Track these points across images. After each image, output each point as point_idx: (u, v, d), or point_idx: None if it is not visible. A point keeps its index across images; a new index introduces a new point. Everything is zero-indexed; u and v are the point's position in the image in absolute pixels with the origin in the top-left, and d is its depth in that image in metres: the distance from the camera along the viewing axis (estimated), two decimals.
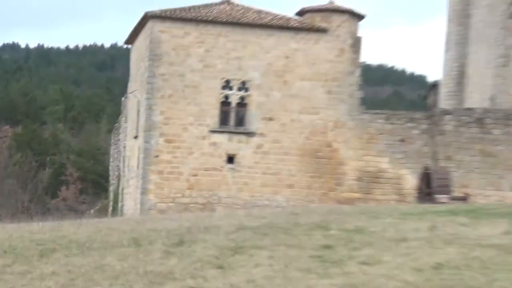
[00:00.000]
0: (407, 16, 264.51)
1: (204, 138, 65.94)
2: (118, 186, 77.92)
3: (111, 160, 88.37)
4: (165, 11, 67.23)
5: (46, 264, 27.59)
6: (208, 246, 30.18)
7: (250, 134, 66.37)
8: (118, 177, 78.87)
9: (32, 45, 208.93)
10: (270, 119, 66.54)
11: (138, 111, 68.57)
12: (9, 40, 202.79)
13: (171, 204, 64.45)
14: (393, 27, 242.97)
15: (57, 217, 54.90)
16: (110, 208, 78.02)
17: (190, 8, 67.99)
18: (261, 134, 66.37)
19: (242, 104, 66.68)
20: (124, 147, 75.97)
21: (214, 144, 66.07)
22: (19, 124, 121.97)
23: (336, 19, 68.47)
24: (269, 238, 31.87)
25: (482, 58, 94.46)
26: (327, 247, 30.13)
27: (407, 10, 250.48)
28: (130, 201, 69.94)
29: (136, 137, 69.06)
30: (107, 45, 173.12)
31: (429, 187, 60.47)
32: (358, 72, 68.38)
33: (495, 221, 35.78)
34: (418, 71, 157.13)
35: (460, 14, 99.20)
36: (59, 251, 30.02)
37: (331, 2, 70.14)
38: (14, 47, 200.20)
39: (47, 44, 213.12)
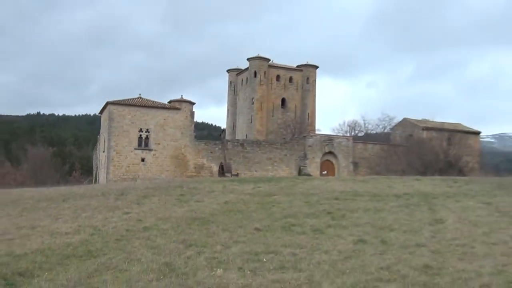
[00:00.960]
0: (215, 102, 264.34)
1: (132, 151, 64.25)
2: (96, 171, 75.31)
3: (93, 161, 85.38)
4: (115, 101, 65.52)
5: (65, 204, 26.50)
6: (133, 195, 29.53)
7: (150, 150, 64.90)
8: (97, 168, 76.24)
9: (67, 113, 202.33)
10: (158, 143, 65.30)
11: (104, 141, 66.44)
12: (50, 112, 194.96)
13: (118, 178, 62.58)
14: (209, 107, 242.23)
15: (71, 185, 52.70)
16: (93, 180, 75.25)
17: (125, 100, 66.36)
18: (155, 150, 65.06)
19: (147, 138, 65.13)
20: (99, 155, 73.46)
21: (136, 154, 64.39)
22: (54, 147, 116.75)
23: (184, 104, 67.70)
24: (158, 191, 31.35)
25: (241, 120, 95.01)
26: (182, 195, 29.78)
27: (216, 100, 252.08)
28: (101, 177, 67.52)
29: (103, 151, 66.83)
30: (91, 114, 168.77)
31: (223, 170, 60.30)
32: (193, 125, 67.65)
33: (249, 184, 35.85)
34: (217, 124, 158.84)
35: (232, 102, 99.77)
36: (71, 198, 28.86)
37: (181, 97, 69.43)
38: (52, 116, 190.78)
39: (68, 113, 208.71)
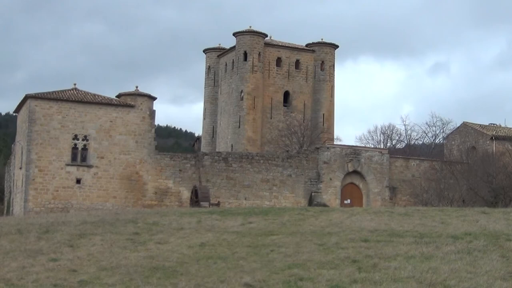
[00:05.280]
0: (190, 97, 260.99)
1: (62, 168, 64.30)
2: (10, 198, 75.16)
3: (5, 182, 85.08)
4: (38, 93, 65.71)
5: None
6: (64, 233, 29.53)
7: (89, 166, 64.98)
8: (10, 192, 76.08)
9: None
10: (102, 157, 65.39)
11: (22, 152, 66.45)
12: None
13: (42, 208, 62.57)
14: (181, 105, 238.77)
15: None
16: (5, 211, 74.95)
17: (53, 92, 66.54)
18: (96, 166, 65.12)
19: (84, 148, 65.24)
20: (13, 174, 73.29)
21: (68, 172, 64.48)
22: None
23: (139, 99, 67.95)
24: (101, 228, 31.36)
25: (225, 123, 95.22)
26: (136, 233, 29.84)
27: (190, 93, 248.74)
28: (17, 207, 67.44)
29: (20, 168, 66.78)
30: (3, 113, 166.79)
31: (196, 198, 60.35)
32: (153, 130, 67.77)
33: (235, 217, 35.90)
34: (189, 130, 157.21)
35: (211, 98, 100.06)
36: None
37: (136, 89, 69.57)
38: None
39: None
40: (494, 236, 27.35)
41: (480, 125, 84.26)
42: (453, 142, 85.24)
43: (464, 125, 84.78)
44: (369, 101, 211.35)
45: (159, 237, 28.74)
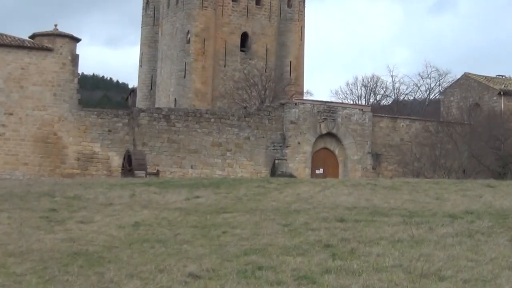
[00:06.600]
0: (126, 39, 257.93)
1: None
2: None
3: None
4: None
5: None
6: None
7: None
8: None
9: None
10: (10, 114, 65.02)
11: None
12: None
13: None
14: (114, 48, 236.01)
15: None
16: None
17: None
18: (3, 126, 64.75)
19: None
20: None
21: None
22: None
23: (59, 41, 67.44)
24: (8, 203, 31.19)
25: (167, 72, 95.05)
26: (53, 210, 29.72)
27: (127, 33, 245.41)
28: None
29: None
30: None
31: (130, 165, 60.14)
32: (76, 80, 67.43)
33: (179, 191, 35.93)
34: (121, 80, 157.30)
35: (150, 40, 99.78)
36: None
37: (55, 29, 68.99)
38: None
39: None
40: (501, 215, 27.55)
41: (486, 77, 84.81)
42: (451, 98, 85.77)
43: (466, 77, 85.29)
44: (355, 47, 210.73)
45: (81, 214, 28.60)
